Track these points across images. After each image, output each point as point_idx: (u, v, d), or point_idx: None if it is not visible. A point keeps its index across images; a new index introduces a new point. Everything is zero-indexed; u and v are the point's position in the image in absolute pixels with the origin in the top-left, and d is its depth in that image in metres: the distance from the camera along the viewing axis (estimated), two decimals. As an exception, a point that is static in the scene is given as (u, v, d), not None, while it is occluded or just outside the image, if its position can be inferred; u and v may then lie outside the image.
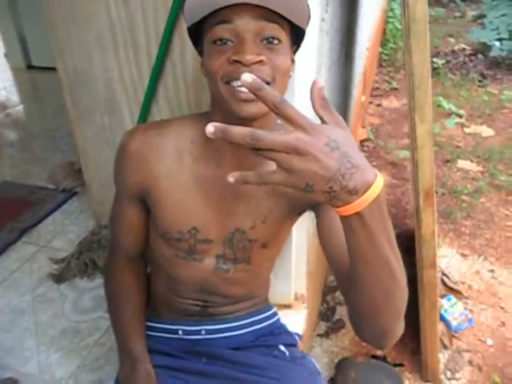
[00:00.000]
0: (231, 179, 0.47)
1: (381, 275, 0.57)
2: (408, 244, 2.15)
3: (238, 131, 0.44)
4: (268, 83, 0.67)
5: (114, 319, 0.97)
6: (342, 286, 0.73)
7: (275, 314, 1.09)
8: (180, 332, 0.98)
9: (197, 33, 0.74)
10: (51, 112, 3.24)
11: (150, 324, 1.00)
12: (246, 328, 1.00)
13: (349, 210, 0.49)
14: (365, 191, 0.48)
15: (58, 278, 1.59)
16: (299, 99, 0.98)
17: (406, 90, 1.15)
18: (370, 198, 0.48)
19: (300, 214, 0.88)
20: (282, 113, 0.46)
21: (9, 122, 3.25)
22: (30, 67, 4.44)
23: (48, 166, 2.41)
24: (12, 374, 1.24)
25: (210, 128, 0.45)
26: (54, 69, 1.47)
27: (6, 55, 4.59)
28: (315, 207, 0.81)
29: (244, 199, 0.82)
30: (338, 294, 1.89)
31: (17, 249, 1.80)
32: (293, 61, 0.76)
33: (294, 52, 0.78)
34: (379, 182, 0.49)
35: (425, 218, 1.27)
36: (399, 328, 0.66)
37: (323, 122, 0.49)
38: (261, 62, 0.66)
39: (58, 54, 1.40)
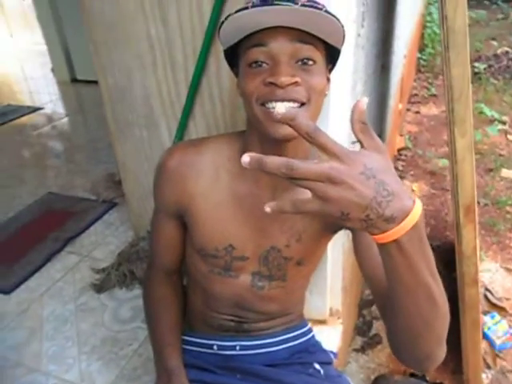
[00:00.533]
0: (267, 209, 0.47)
1: (420, 302, 0.56)
2: (448, 257, 2.09)
3: (273, 162, 0.45)
4: (303, 104, 0.68)
5: (151, 332, 0.99)
6: (380, 306, 0.73)
7: (310, 330, 1.08)
8: (215, 347, 0.98)
9: (233, 55, 0.75)
10: (94, 124, 3.39)
11: (185, 338, 1.01)
12: (281, 345, 0.99)
13: (386, 237, 0.48)
14: (403, 219, 0.47)
15: (99, 288, 1.65)
16: (334, 117, 0.97)
17: (445, 102, 1.12)
18: (408, 226, 0.47)
19: (335, 232, 0.88)
20: (315, 142, 0.46)
21: (55, 133, 3.41)
22: (74, 81, 4.65)
23: (90, 178, 2.50)
24: (55, 381, 1.29)
25: (246, 158, 0.45)
26: (97, 82, 1.53)
27: (53, 70, 4.82)
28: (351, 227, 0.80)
29: (279, 218, 0.83)
30: (374, 308, 1.85)
31: (60, 258, 1.88)
32: (328, 80, 0.77)
33: (330, 71, 0.78)
34: (417, 208, 0.48)
35: (466, 234, 1.23)
36: (441, 352, 0.64)
37: (362, 146, 0.49)
38: (296, 83, 0.67)
39: (100, 71, 1.46)
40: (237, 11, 0.66)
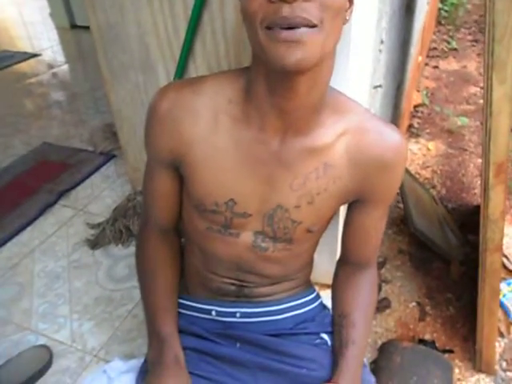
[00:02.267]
0: None
1: None
2: (463, 219, 1.99)
3: None
4: (314, 26, 0.54)
5: (144, 296, 0.90)
6: (337, 270, 0.90)
7: (317, 297, 0.99)
8: (213, 313, 0.90)
9: None
10: (94, 72, 3.21)
11: (181, 301, 0.93)
12: (285, 313, 0.91)
13: None
14: None
15: (94, 244, 1.58)
16: (355, 53, 0.83)
17: (485, 42, 0.96)
18: None
19: (349, 202, 0.79)
20: None
21: (53, 81, 3.27)
22: (74, 27, 4.45)
23: (88, 128, 2.39)
24: (45, 341, 1.23)
25: None
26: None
27: (51, 15, 4.61)
28: (365, 200, 0.77)
29: (290, 171, 0.71)
30: (384, 270, 1.77)
31: (54, 212, 1.80)
32: (350, 1, 0.62)
33: None
34: None
35: (494, 196, 1.11)
36: None
37: None
38: None
39: (89, 7, 1.31)
40: None
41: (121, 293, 1.40)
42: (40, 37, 4.34)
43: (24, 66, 3.58)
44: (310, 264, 0.96)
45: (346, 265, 0.90)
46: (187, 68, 1.25)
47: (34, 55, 3.82)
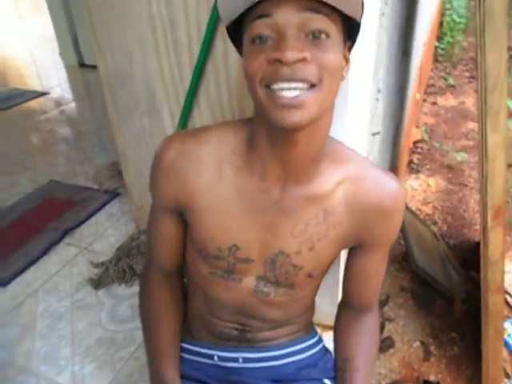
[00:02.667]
0: None
1: None
2: (465, 256, 1.99)
3: None
4: (314, 85, 0.57)
5: (147, 340, 0.91)
6: (339, 313, 0.92)
7: (320, 340, 0.99)
8: (216, 358, 0.90)
9: (237, 32, 0.65)
10: (101, 110, 3.29)
11: (184, 346, 0.93)
12: (287, 358, 0.91)
13: None
14: None
15: (97, 284, 1.58)
16: (353, 105, 0.86)
17: (478, 92, 1.00)
18: None
19: (349, 247, 0.81)
20: None
21: (61, 119, 3.34)
22: (82, 65, 4.59)
23: (93, 166, 2.43)
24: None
25: None
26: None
27: (61, 54, 4.76)
28: (365, 245, 0.78)
29: (291, 218, 0.74)
30: (387, 308, 1.76)
31: (58, 250, 1.80)
32: (347, 60, 0.66)
33: (349, 49, 0.67)
34: None
35: (493, 238, 1.12)
36: None
37: None
38: (304, 60, 0.56)
39: (98, 55, 1.37)
40: None
41: (123, 334, 1.39)
42: (49, 75, 4.47)
43: (33, 104, 3.67)
44: (311, 308, 0.97)
45: (348, 308, 0.90)
46: (192, 113, 1.29)
47: (43, 93, 3.92)
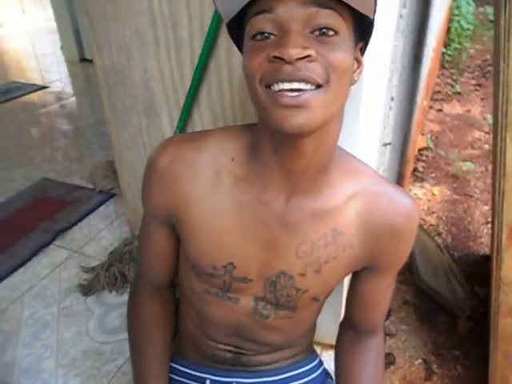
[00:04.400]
0: None
1: None
2: (470, 270, 1.93)
3: None
4: (320, 86, 0.51)
5: (134, 357, 0.84)
6: (343, 333, 0.86)
7: (320, 364, 0.93)
8: (207, 382, 0.84)
9: (238, 29, 0.59)
10: (100, 106, 3.24)
11: (174, 366, 0.87)
12: (286, 383, 0.84)
13: None
14: None
15: (86, 290, 1.51)
16: (366, 113, 0.80)
17: (496, 102, 0.94)
18: None
19: (358, 270, 0.74)
20: None
21: (59, 114, 3.30)
22: (83, 60, 4.54)
23: (89, 165, 2.36)
24: (25, 399, 1.16)
25: None
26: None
27: (62, 48, 4.72)
28: (375, 268, 0.73)
29: (295, 235, 0.67)
30: (388, 323, 1.70)
31: (48, 252, 1.74)
32: (359, 62, 0.59)
33: (362, 51, 0.61)
34: None
35: (507, 259, 1.06)
36: None
37: None
38: (309, 57, 0.50)
39: (95, 50, 1.31)
40: None
41: (111, 346, 1.32)
42: (50, 69, 4.42)
43: (32, 97, 3.62)
44: (312, 330, 0.91)
45: (352, 331, 0.84)
46: (191, 115, 1.23)
47: (43, 87, 3.86)
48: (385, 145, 0.93)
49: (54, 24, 4.68)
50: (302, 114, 0.51)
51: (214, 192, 0.68)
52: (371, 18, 0.55)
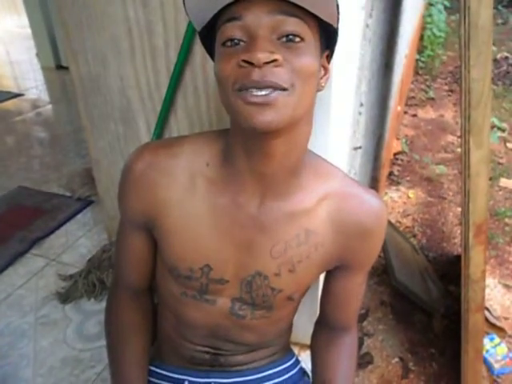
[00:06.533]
0: None
1: None
2: (444, 270, 1.98)
3: None
4: (285, 89, 0.54)
5: (112, 362, 0.84)
6: (318, 331, 0.89)
7: (297, 362, 0.95)
8: (186, 383, 0.84)
9: (210, 37, 0.61)
10: (77, 114, 3.20)
11: (152, 369, 0.88)
12: (263, 382, 0.87)
13: None
14: None
15: (64, 298, 1.49)
16: (335, 119, 0.83)
17: (461, 107, 0.98)
18: None
19: (330, 268, 0.77)
20: None
21: (34, 122, 3.25)
22: (59, 67, 4.48)
23: (66, 172, 2.34)
24: (1, 410, 1.14)
25: None
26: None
27: (38, 55, 4.65)
28: (346, 267, 0.75)
29: (269, 236, 0.69)
30: (366, 323, 1.73)
31: (25, 261, 1.71)
32: (325, 69, 0.63)
33: (328, 58, 0.64)
34: None
35: (474, 256, 1.10)
36: None
37: None
38: (275, 61, 0.53)
39: (71, 57, 1.31)
40: None
41: (90, 353, 1.31)
42: (25, 76, 4.34)
43: (7, 105, 3.56)
44: (289, 329, 0.93)
45: (326, 329, 0.87)
46: (168, 121, 1.24)
47: (17, 95, 3.80)
48: (355, 148, 0.96)
49: (28, 30, 4.61)
50: (269, 112, 0.53)
51: (189, 196, 0.69)
52: (335, 26, 0.59)
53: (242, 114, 0.55)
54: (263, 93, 0.53)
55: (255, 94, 0.53)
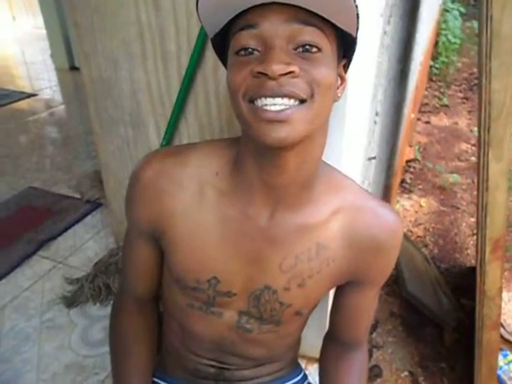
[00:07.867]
0: None
1: None
2: (456, 281, 1.94)
3: None
4: (304, 101, 0.51)
5: (116, 371, 0.83)
6: (327, 346, 0.86)
7: (304, 378, 0.92)
8: (190, 397, 0.82)
9: (223, 44, 0.59)
10: (89, 115, 3.22)
11: (156, 380, 0.86)
12: (269, 399, 0.83)
13: None
14: None
15: (70, 302, 1.48)
16: (350, 129, 0.80)
17: (479, 118, 0.95)
18: None
19: (342, 284, 0.75)
20: None
21: (47, 123, 3.26)
22: (73, 68, 4.52)
23: (76, 174, 2.34)
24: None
25: None
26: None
27: (52, 56, 4.69)
28: (358, 282, 0.73)
29: (279, 249, 0.67)
30: (375, 335, 1.69)
31: (32, 263, 1.71)
32: (342, 79, 0.60)
33: (345, 68, 0.62)
34: None
35: (490, 272, 1.07)
36: None
37: None
38: (292, 73, 0.50)
39: (82, 60, 1.30)
40: None
41: (94, 359, 1.29)
42: (39, 77, 4.39)
43: (21, 105, 3.58)
44: (297, 344, 0.90)
45: (336, 343, 0.84)
46: (178, 127, 1.22)
47: (31, 95, 3.83)
48: (370, 159, 0.93)
49: (44, 31, 4.66)
50: (283, 129, 0.51)
51: (198, 206, 0.67)
52: (354, 35, 0.56)
53: (254, 130, 0.53)
54: (277, 108, 0.51)
55: (268, 108, 0.51)
